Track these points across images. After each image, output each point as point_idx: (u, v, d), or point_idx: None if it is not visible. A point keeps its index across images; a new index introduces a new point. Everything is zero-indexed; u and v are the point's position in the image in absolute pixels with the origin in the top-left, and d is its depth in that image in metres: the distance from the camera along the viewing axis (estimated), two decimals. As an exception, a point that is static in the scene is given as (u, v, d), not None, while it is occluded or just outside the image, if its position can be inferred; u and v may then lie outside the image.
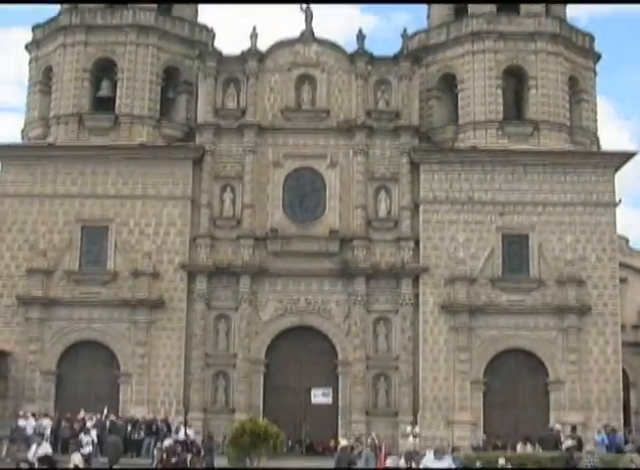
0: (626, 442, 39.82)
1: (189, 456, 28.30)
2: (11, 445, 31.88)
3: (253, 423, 20.47)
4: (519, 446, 37.73)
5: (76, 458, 15.64)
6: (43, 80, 50.50)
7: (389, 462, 17.03)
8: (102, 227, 46.87)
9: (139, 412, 43.77)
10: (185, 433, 40.59)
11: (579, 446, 34.15)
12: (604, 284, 46.06)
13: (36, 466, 16.16)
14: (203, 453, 33.91)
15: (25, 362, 46.05)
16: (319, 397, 45.69)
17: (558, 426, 42.16)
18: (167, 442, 31.05)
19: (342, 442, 28.12)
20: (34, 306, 46.09)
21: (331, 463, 37.76)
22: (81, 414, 41.74)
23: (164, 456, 27.47)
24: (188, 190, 47.14)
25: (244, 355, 45.63)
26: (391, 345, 46.16)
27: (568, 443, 33.45)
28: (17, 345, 46.12)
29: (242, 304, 46.06)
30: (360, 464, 32.56)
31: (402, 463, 22.31)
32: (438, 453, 22.42)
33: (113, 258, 46.67)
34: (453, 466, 18.98)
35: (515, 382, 45.62)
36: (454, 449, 33.95)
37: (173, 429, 41.63)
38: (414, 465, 22.01)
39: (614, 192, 47.22)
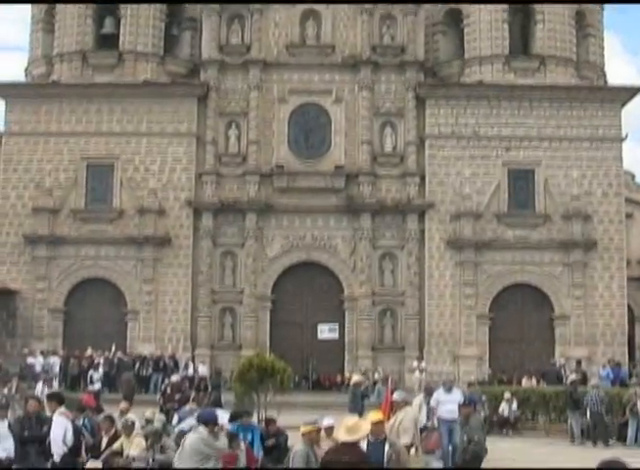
0: (630, 376, 40.13)
1: (193, 393, 28.43)
2: (20, 382, 32.10)
3: (260, 358, 20.49)
4: (524, 381, 37.98)
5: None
6: (46, 18, 50.06)
7: (396, 396, 17.09)
8: (107, 165, 46.81)
9: (146, 349, 44.08)
10: (194, 369, 40.89)
11: (584, 379, 34.40)
12: (610, 219, 46.05)
13: (44, 402, 16.23)
14: (210, 389, 34.13)
15: (33, 301, 46.29)
16: (325, 332, 45.92)
17: (562, 360, 42.49)
18: (174, 377, 31.26)
19: (355, 377, 28.22)
20: (41, 245, 46.22)
21: (337, 398, 38.13)
22: (89, 352, 42.05)
23: (169, 391, 27.62)
24: (193, 127, 46.98)
25: (250, 292, 45.79)
26: (397, 280, 46.28)
27: (572, 376, 33.66)
28: (24, 283, 46.33)
29: (248, 240, 46.10)
30: (373, 399, 32.88)
31: (421, 398, 22.33)
32: (447, 386, 22.52)
33: (118, 196, 46.69)
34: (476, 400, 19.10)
35: (520, 317, 45.82)
36: (470, 385, 34.20)
37: (182, 365, 41.97)
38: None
39: (620, 127, 47.01)
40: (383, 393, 28.15)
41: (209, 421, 13.27)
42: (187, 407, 23.29)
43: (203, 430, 12.67)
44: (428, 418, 21.71)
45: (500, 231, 45.92)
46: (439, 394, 22.35)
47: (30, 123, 47.08)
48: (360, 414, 17.12)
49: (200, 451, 11.97)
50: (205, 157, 46.87)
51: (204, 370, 40.64)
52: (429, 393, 22.76)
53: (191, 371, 40.72)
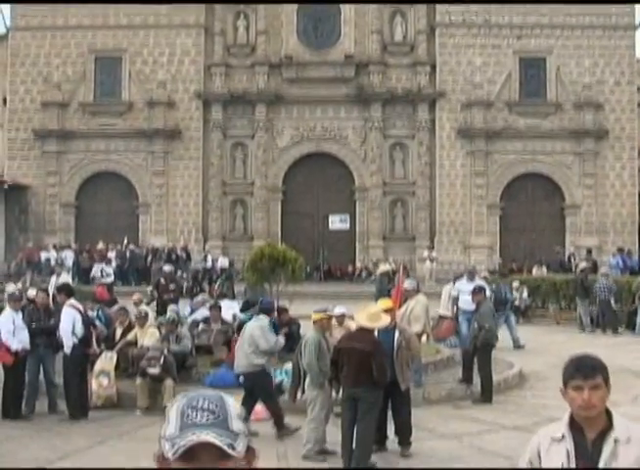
0: (640, 264, 40.29)
1: (185, 284, 28.57)
2: (34, 275, 32.44)
3: (272, 248, 20.56)
4: (534, 270, 38.17)
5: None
6: None
7: (407, 284, 17.19)
8: (115, 58, 46.44)
9: (158, 242, 44.32)
10: (213, 260, 41.11)
11: (594, 268, 34.53)
12: (622, 108, 45.69)
13: (55, 294, 16.40)
14: (222, 280, 34.41)
15: (45, 196, 46.43)
16: (336, 223, 46.09)
17: (571, 249, 42.66)
18: (167, 267, 31.51)
19: (382, 267, 28.16)
20: (50, 140, 46.15)
21: (349, 287, 38.49)
22: (101, 245, 42.29)
23: (163, 282, 27.82)
24: (201, 18, 46.41)
25: (261, 183, 45.80)
26: (408, 170, 46.21)
27: (582, 265, 33.79)
28: (35, 178, 46.41)
29: (258, 131, 45.93)
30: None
31: (451, 286, 22.29)
32: (469, 275, 22.54)
33: (127, 89, 46.43)
34: (486, 288, 19.08)
35: (531, 206, 45.84)
36: (490, 273, 34.23)
37: (201, 257, 42.24)
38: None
39: (633, 15, 46.34)
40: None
41: (270, 310, 13.40)
42: (199, 298, 23.57)
43: (263, 318, 12.73)
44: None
45: (511, 120, 45.63)
46: (461, 283, 22.41)
47: (37, 17, 46.53)
48: (399, 305, 17.17)
49: (259, 337, 12.13)
50: (213, 48, 46.42)
51: (224, 262, 40.81)
52: (469, 275, 22.75)
53: (210, 263, 40.97)
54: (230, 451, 2.69)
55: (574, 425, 4.85)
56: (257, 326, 13.33)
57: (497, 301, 23.79)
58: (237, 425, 2.77)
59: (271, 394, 13.71)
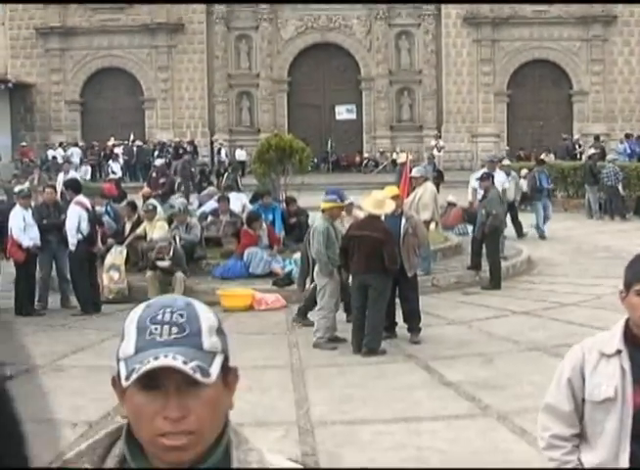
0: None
1: (178, 179, 28.55)
2: (42, 173, 32.39)
3: (279, 138, 20.43)
4: (542, 157, 37.94)
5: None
6: None
7: (414, 172, 17.13)
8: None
9: (165, 136, 44.19)
10: (227, 154, 41.01)
11: (602, 155, 34.35)
12: (631, -9, 44.92)
13: (63, 190, 16.40)
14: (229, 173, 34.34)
15: (50, 93, 46.20)
16: (343, 113, 45.84)
17: (577, 136, 42.40)
18: (158, 161, 31.37)
19: (402, 157, 27.88)
20: (53, 37, 45.68)
21: (357, 178, 38.41)
22: (111, 142, 42.16)
23: (154, 175, 27.73)
24: None
25: (266, 75, 45.41)
26: (414, 59, 45.71)
27: (590, 151, 33.63)
28: (39, 77, 46.11)
29: (262, 23, 45.32)
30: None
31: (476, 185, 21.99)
32: (491, 165, 22.23)
33: (128, -18, 45.74)
34: (493, 175, 18.90)
35: (538, 94, 45.46)
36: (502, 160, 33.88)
37: (215, 150, 42.11)
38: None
39: None
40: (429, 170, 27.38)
41: (340, 198, 13.26)
42: (206, 191, 23.61)
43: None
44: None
45: (518, 6, 44.85)
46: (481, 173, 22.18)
47: None
48: (407, 194, 17.11)
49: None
50: None
51: (241, 154, 40.72)
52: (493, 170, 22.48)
53: (224, 156, 40.92)
54: (199, 377, 1.98)
55: (631, 339, 3.87)
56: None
57: (532, 189, 23.76)
58: (210, 341, 2.06)
59: None
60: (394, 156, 42.55)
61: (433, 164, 31.28)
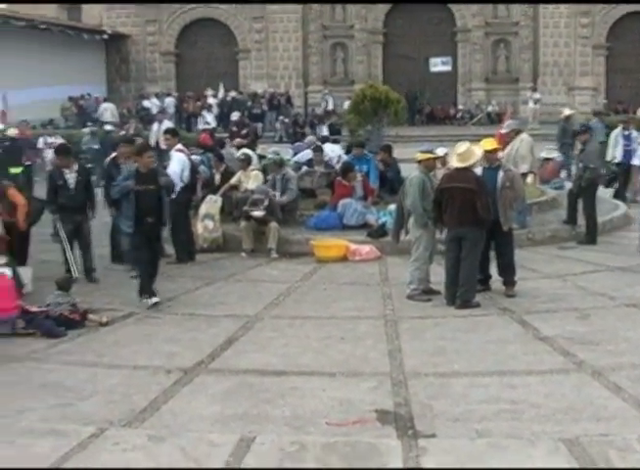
0: None
1: (260, 125, 28.52)
2: (138, 124, 32.77)
3: (374, 89, 20.31)
4: (639, 111, 37.19)
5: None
6: None
7: (508, 125, 16.94)
8: None
9: (259, 87, 44.28)
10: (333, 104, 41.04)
11: None
12: None
13: (161, 140, 16.50)
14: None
15: (145, 44, 46.56)
16: (438, 65, 45.31)
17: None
18: (235, 115, 31.37)
19: (567, 110, 27.50)
20: (149, -12, 45.87)
21: (451, 130, 38.11)
22: (210, 91, 42.33)
23: (234, 129, 27.80)
24: None
25: (361, 26, 45.09)
26: (511, 10, 44.93)
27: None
28: (134, 27, 46.45)
29: (357, -27, 44.92)
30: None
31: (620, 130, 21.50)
32: (626, 126, 21.80)
33: None
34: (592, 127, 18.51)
35: (639, 46, 44.38)
36: (595, 114, 33.21)
37: (320, 99, 42.11)
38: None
39: None
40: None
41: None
42: (307, 139, 23.60)
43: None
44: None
45: (619, -44, 43.76)
46: (616, 133, 21.81)
47: None
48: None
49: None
50: None
51: (330, 103, 40.64)
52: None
53: (330, 105, 40.95)
54: None
55: None
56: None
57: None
58: None
59: None
60: (490, 108, 42.20)
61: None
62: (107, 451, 6.62)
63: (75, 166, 14.04)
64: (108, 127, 29.97)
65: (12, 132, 22.46)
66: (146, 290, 12.05)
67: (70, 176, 13.76)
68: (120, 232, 13.37)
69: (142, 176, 12.14)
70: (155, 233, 12.34)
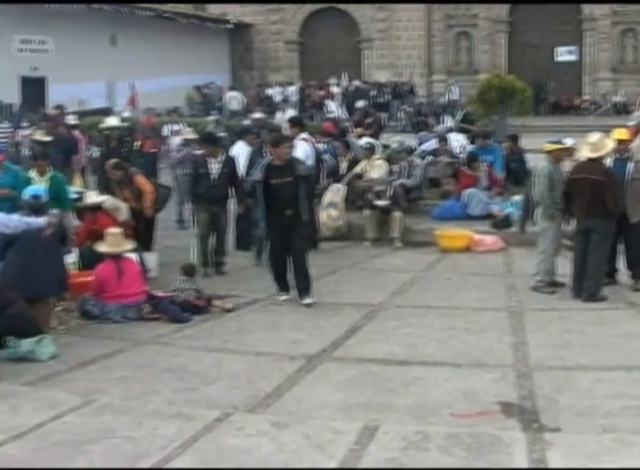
0: None
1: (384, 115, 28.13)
2: (262, 112, 33.01)
3: (500, 78, 20.20)
4: None
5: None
6: None
7: (632, 120, 16.57)
8: None
9: (382, 76, 44.19)
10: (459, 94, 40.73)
11: None
12: None
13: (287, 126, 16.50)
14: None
15: (268, 33, 46.86)
16: (564, 54, 44.55)
17: None
18: (360, 103, 31.57)
19: None
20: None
21: (576, 121, 37.42)
22: (334, 80, 42.36)
23: (357, 118, 27.92)
24: None
25: (486, 14, 44.60)
26: (640, -2, 43.92)
27: None
28: (258, 17, 46.82)
29: (482, -38, 44.41)
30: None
31: None
32: None
33: None
34: None
35: None
36: None
37: (445, 89, 41.78)
38: None
39: None
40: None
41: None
42: (438, 128, 23.50)
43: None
44: None
45: None
46: None
47: None
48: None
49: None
50: None
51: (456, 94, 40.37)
52: None
53: (455, 95, 40.57)
54: None
55: None
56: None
57: None
58: None
59: None
60: (617, 98, 41.37)
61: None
62: (231, 436, 6.69)
63: (221, 157, 13.82)
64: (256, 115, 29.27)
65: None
66: (277, 285, 11.95)
67: (214, 166, 13.56)
68: (250, 221, 13.39)
69: (276, 169, 11.59)
70: (293, 227, 11.54)
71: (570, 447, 6.42)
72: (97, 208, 12.86)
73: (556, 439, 6.63)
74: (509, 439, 6.57)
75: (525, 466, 6.08)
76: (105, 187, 14.04)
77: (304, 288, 11.57)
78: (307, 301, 11.47)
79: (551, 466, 6.06)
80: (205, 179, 13.49)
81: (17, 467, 6.18)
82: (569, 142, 12.83)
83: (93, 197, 13.31)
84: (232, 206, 14.10)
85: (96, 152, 19.91)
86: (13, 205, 11.40)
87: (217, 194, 13.51)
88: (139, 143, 20.37)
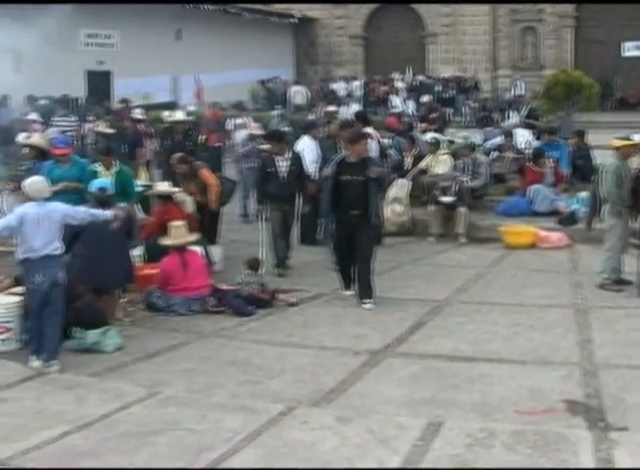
0: None
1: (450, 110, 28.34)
2: (325, 105, 33.03)
3: (566, 74, 20.01)
4: None
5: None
6: None
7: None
8: None
9: (447, 71, 43.97)
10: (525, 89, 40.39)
11: None
12: None
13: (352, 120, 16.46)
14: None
15: (333, 28, 46.85)
16: (631, 50, 44.00)
17: None
18: (425, 98, 31.19)
19: None
20: None
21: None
22: (396, 75, 42.21)
23: (422, 113, 27.78)
24: None
25: (552, 9, 44.15)
26: None
27: None
28: (323, 11, 46.82)
29: (548, -44, 43.97)
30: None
31: None
32: None
33: None
34: None
35: None
36: None
37: (511, 84, 41.45)
38: None
39: None
40: None
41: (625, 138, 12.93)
42: (505, 124, 23.33)
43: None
44: None
45: None
46: None
47: None
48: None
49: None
50: None
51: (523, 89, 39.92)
52: None
53: (522, 90, 40.26)
54: None
55: None
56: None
57: None
58: None
59: None
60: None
61: None
62: (295, 429, 6.71)
63: (288, 154, 13.53)
64: (330, 108, 28.98)
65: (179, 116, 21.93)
66: (342, 282, 11.88)
67: (282, 164, 13.27)
68: (317, 215, 13.32)
69: (349, 166, 11.38)
70: (359, 227, 11.27)
71: (637, 447, 6.36)
72: (168, 199, 12.94)
73: (623, 438, 6.57)
74: (574, 437, 6.52)
75: (592, 465, 6.03)
76: (170, 181, 14.11)
77: (366, 293, 11.36)
78: (367, 306, 11.24)
79: (618, 466, 6.00)
80: (274, 178, 13.22)
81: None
82: (637, 138, 12.67)
83: (165, 186, 13.41)
84: (297, 201, 14.03)
85: (158, 146, 19.93)
86: (80, 197, 11.52)
87: (287, 192, 13.28)
88: (204, 137, 20.50)
